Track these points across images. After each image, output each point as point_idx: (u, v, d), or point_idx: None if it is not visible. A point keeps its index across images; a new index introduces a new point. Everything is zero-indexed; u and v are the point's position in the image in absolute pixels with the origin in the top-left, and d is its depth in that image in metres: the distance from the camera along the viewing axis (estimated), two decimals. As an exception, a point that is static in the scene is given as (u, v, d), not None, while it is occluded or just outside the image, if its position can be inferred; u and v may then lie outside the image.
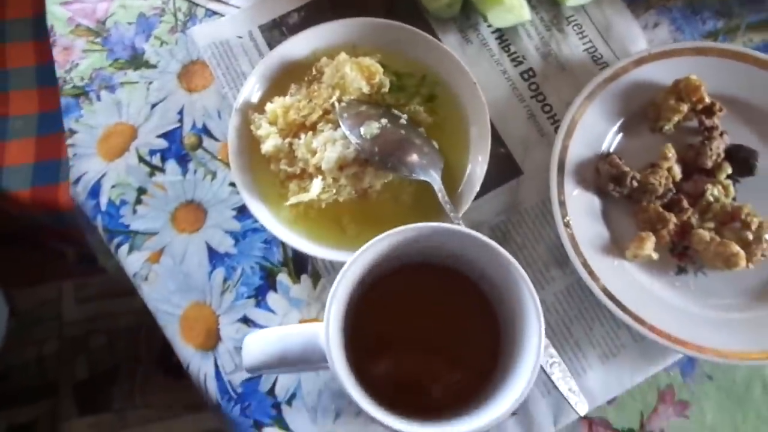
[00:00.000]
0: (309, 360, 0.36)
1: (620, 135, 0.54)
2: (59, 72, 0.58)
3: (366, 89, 0.51)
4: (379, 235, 0.38)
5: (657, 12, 0.58)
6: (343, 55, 0.52)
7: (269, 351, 0.37)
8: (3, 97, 1.05)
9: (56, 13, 0.59)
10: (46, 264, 1.41)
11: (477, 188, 0.49)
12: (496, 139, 0.54)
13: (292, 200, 0.49)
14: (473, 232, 0.37)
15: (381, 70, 0.52)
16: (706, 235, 0.49)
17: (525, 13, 0.55)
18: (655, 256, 0.49)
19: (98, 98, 0.57)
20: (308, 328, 0.37)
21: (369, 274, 0.40)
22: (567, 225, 0.49)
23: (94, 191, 0.55)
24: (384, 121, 0.50)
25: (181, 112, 0.56)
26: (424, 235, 0.38)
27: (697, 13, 0.58)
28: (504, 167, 0.54)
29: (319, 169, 0.49)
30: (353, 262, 0.37)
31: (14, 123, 1.05)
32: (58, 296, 1.44)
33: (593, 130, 0.52)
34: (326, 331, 0.36)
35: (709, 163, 0.51)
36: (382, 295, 0.44)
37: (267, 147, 0.50)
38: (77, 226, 1.08)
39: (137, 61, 0.58)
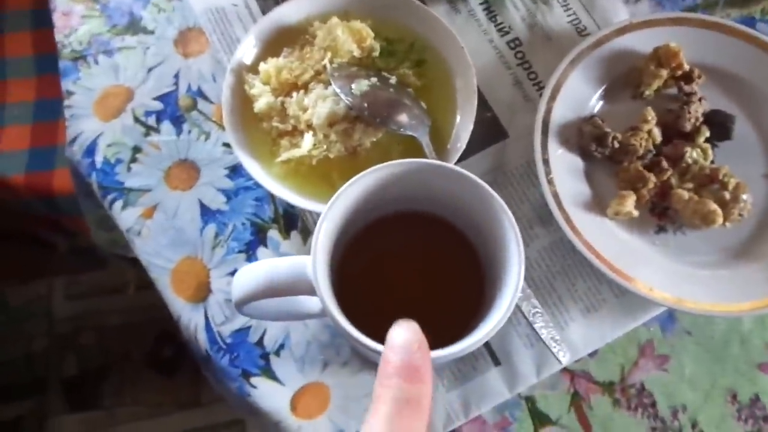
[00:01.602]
0: (296, 289, 0.37)
1: (602, 101, 0.55)
2: (58, 36, 0.59)
3: (357, 53, 0.53)
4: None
5: (639, -13, 0.60)
6: (335, 19, 0.53)
7: (258, 281, 0.38)
8: (1, 85, 1.07)
9: (56, -19, 0.61)
10: (37, 260, 1.41)
11: (464, 145, 0.51)
12: (483, 103, 0.56)
13: (284, 156, 0.51)
14: (455, 167, 0.38)
15: (372, 34, 0.54)
16: (684, 194, 0.51)
17: (511, -16, 0.57)
18: (635, 213, 0.51)
19: (96, 62, 0.58)
20: (296, 259, 0.38)
21: (355, 214, 0.41)
22: (550, 183, 0.51)
23: (90, 150, 0.56)
24: (374, 79, 0.51)
25: (176, 76, 0.58)
26: (410, 170, 0.39)
27: (678, -11, 0.60)
28: (490, 130, 0.55)
29: (310, 126, 0.51)
30: (340, 195, 0.38)
31: (11, 110, 1.06)
32: (49, 292, 1.44)
33: (576, 94, 0.54)
34: (313, 261, 0.37)
35: (688, 127, 0.53)
36: (368, 242, 0.45)
37: (260, 105, 0.52)
38: (70, 212, 1.09)
39: (135, 27, 0.59)
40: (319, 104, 0.50)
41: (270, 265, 0.38)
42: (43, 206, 1.09)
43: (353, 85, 0.50)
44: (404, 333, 0.26)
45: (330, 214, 0.38)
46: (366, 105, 0.50)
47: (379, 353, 0.35)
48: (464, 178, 0.38)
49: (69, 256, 1.31)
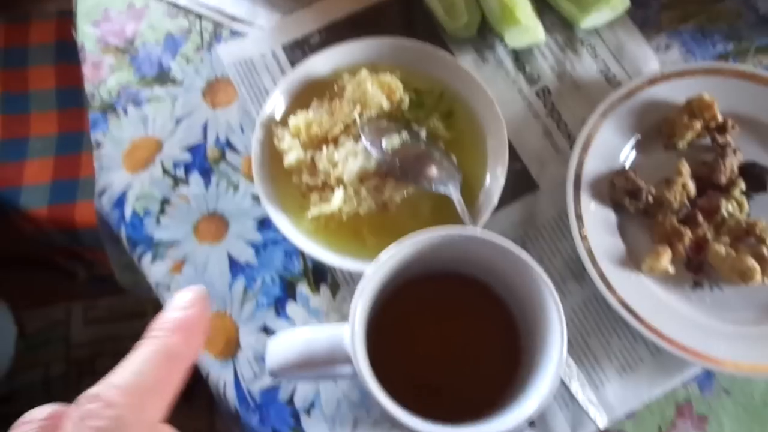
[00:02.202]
0: (333, 360, 0.37)
1: (635, 151, 0.55)
2: (88, 87, 0.60)
3: (386, 105, 0.53)
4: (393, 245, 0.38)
5: (668, 35, 0.60)
6: (364, 72, 0.53)
7: (294, 352, 0.37)
8: (24, 118, 1.08)
9: (87, 32, 0.61)
10: (56, 285, 1.42)
11: (495, 201, 0.50)
12: (513, 154, 0.55)
13: (314, 212, 0.51)
14: (496, 237, 0.38)
15: (401, 86, 0.53)
16: (721, 249, 0.50)
17: (540, 34, 0.56)
18: (671, 269, 0.50)
19: (125, 113, 0.59)
20: (333, 330, 0.38)
21: (392, 279, 0.41)
22: (584, 238, 0.50)
23: (119, 203, 0.56)
24: (404, 135, 0.51)
25: (205, 127, 0.58)
26: (449, 239, 0.39)
27: (708, 36, 0.60)
28: (520, 182, 0.55)
29: (340, 181, 0.51)
30: (377, 270, 0.38)
31: (34, 143, 1.08)
32: (67, 317, 1.45)
33: (608, 146, 0.54)
34: (351, 335, 0.36)
35: (723, 179, 0.52)
36: (403, 302, 0.44)
37: (289, 159, 0.52)
38: (91, 244, 1.09)
39: (163, 77, 0.60)
40: (349, 160, 0.50)
41: (306, 338, 0.38)
42: (65, 238, 1.10)
43: (384, 141, 0.50)
44: (188, 293, 0.26)
45: (367, 288, 0.37)
46: (397, 162, 0.49)
47: (412, 430, 0.35)
48: (507, 250, 0.38)
49: (88, 283, 1.32)
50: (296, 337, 0.38)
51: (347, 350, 0.37)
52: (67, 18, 0.94)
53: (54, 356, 1.42)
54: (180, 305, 0.25)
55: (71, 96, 1.10)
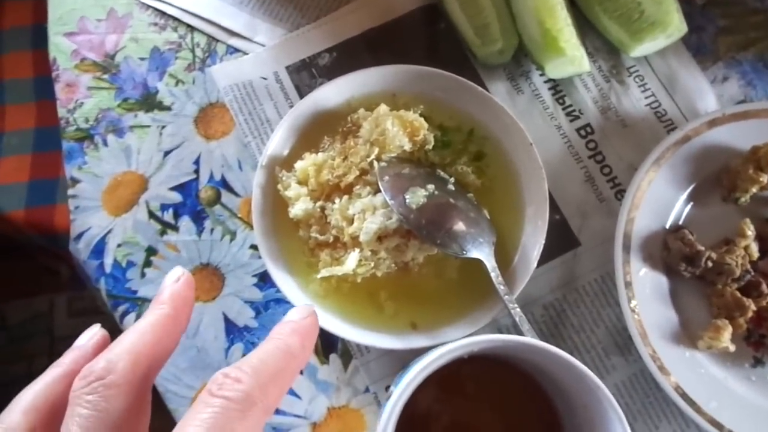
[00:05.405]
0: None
1: (690, 204, 0.48)
2: (61, 111, 0.52)
3: (408, 147, 0.46)
4: (441, 348, 0.32)
5: (726, 65, 0.52)
6: (383, 108, 0.46)
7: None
8: (-1, 110, 0.99)
9: (60, 45, 0.53)
10: (40, 277, 1.35)
11: (533, 265, 0.44)
12: (551, 204, 0.48)
13: (324, 273, 0.44)
14: (561, 353, 0.31)
15: (425, 125, 0.46)
16: (788, 324, 0.44)
17: (585, 65, 0.49)
18: (732, 348, 0.44)
19: (105, 143, 0.51)
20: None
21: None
22: (633, 310, 0.44)
23: (98, 250, 0.49)
24: (430, 187, 0.44)
25: (197, 162, 0.50)
26: (498, 344, 0.32)
27: (770, 66, 0.53)
28: (559, 237, 0.48)
29: (355, 240, 0.44)
30: (412, 380, 0.31)
31: (9, 139, 0.99)
32: (50, 310, 1.39)
33: (661, 200, 0.47)
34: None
35: (791, 242, 0.45)
36: (437, 386, 0.38)
37: (296, 211, 0.45)
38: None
39: (149, 101, 0.52)
40: (367, 217, 0.43)
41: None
42: (45, 241, 1.03)
43: (407, 196, 0.43)
44: (303, 308, 0.30)
45: (393, 415, 0.31)
46: (423, 222, 0.42)
47: None
48: (570, 365, 0.31)
49: (71, 282, 1.26)
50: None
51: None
52: None
53: (38, 350, 1.36)
54: (296, 316, 0.29)
55: (51, 86, 1.01)
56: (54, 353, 1.33)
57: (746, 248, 0.46)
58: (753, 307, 0.44)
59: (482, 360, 0.39)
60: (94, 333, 0.29)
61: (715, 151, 0.48)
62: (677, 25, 0.48)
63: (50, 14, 0.54)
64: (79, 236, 0.49)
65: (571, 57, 0.47)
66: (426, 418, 0.39)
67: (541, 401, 0.39)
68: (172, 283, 0.29)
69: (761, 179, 0.46)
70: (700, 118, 0.48)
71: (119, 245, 0.48)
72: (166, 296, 0.28)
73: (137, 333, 0.26)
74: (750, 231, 0.45)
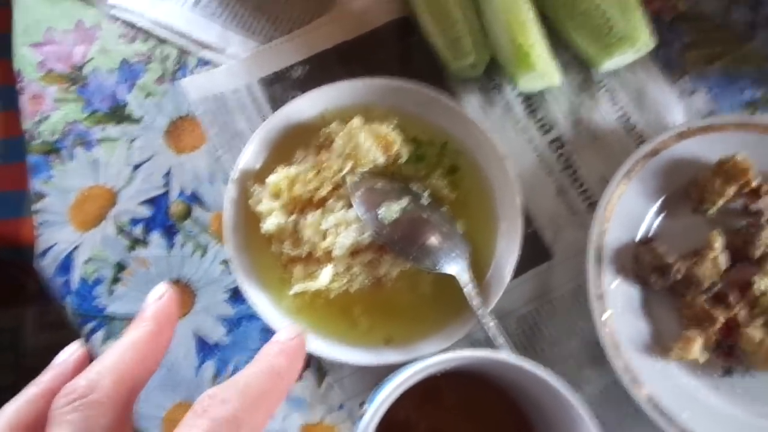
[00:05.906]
0: None
1: (661, 216, 0.49)
2: (26, 124, 0.51)
3: (382, 160, 0.46)
4: (414, 365, 0.32)
5: (693, 78, 0.53)
6: (356, 122, 0.46)
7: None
8: (-37, 121, 0.96)
9: (25, 56, 0.52)
10: (8, 288, 1.32)
11: (507, 278, 0.44)
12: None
13: (297, 288, 0.43)
14: (535, 369, 0.31)
15: (399, 139, 0.46)
16: (755, 335, 0.44)
17: (555, 79, 0.49)
18: (702, 358, 0.44)
19: (71, 157, 0.50)
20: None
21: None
22: (606, 323, 0.44)
23: (65, 266, 0.47)
24: (404, 201, 0.44)
25: (167, 176, 0.49)
26: (475, 361, 0.32)
27: (734, 81, 0.54)
28: (533, 249, 0.48)
29: (328, 255, 0.43)
30: (386, 398, 0.31)
31: (-26, 150, 0.96)
32: (18, 323, 1.35)
33: (632, 212, 0.47)
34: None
35: (758, 254, 0.46)
36: (415, 396, 0.38)
37: (268, 226, 0.44)
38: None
39: (118, 114, 0.51)
40: (340, 232, 0.43)
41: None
42: (11, 255, 1.00)
43: (380, 211, 0.43)
44: (291, 328, 0.29)
45: (369, 428, 0.30)
46: (397, 237, 0.42)
47: None
48: (541, 378, 0.31)
49: (39, 294, 1.23)
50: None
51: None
52: None
53: (3, 365, 1.32)
54: (284, 337, 0.28)
55: (17, 96, 0.99)
56: (21, 368, 1.29)
57: (714, 260, 0.46)
58: (722, 318, 0.45)
59: (458, 374, 0.39)
60: (74, 350, 0.28)
61: (684, 164, 0.49)
62: (645, 40, 0.49)
63: (15, 25, 0.53)
64: (45, 252, 0.48)
65: (543, 72, 0.48)
66: (404, 427, 0.39)
67: (517, 414, 0.39)
68: (155, 300, 0.28)
69: (728, 192, 0.47)
70: (668, 131, 0.49)
71: (86, 261, 0.47)
72: (149, 313, 0.28)
73: (120, 351, 0.26)
74: (718, 243, 0.46)
